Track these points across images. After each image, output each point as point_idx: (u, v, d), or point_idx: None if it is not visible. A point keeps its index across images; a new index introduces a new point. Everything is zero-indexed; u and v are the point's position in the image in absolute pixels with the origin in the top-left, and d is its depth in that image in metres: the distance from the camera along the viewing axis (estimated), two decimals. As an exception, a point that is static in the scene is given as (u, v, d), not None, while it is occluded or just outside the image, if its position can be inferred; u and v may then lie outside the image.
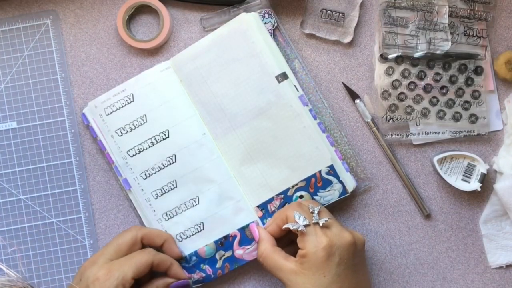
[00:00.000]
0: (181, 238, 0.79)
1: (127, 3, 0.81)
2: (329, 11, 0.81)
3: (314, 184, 0.78)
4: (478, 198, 0.82)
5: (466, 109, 0.80)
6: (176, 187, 0.79)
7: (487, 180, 0.80)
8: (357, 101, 0.81)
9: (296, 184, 0.78)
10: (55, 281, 0.82)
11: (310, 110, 0.79)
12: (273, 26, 0.80)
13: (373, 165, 0.82)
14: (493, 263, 0.82)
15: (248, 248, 0.79)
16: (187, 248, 0.80)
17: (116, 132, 0.80)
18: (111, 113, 0.80)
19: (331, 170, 0.78)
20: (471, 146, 0.82)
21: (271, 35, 0.79)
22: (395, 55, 0.79)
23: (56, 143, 0.82)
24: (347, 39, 0.82)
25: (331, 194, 0.78)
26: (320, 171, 0.78)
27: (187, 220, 0.79)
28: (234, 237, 0.79)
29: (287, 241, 0.76)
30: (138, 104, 0.79)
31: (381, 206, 0.82)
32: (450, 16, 0.79)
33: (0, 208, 0.82)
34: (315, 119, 0.79)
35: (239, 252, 0.79)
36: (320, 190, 0.78)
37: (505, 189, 0.79)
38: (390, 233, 0.82)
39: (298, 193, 0.78)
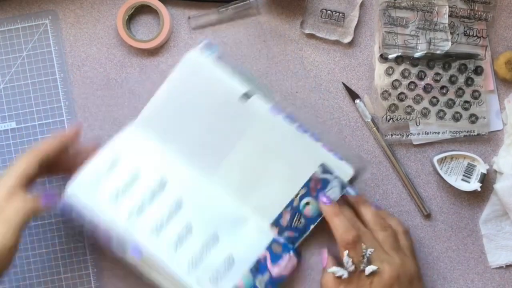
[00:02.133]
0: (217, 280, 0.76)
1: (127, 3, 0.81)
2: (329, 11, 0.81)
3: (314, 187, 0.78)
4: (478, 198, 0.82)
5: (466, 109, 0.80)
6: (191, 231, 0.77)
7: (487, 180, 0.81)
8: (357, 101, 0.81)
9: (298, 193, 0.78)
10: (55, 281, 0.82)
11: (285, 117, 0.78)
12: (217, 53, 0.80)
13: (373, 165, 0.82)
14: (493, 263, 0.82)
15: (282, 263, 0.78)
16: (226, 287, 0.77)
17: (111, 201, 0.76)
18: (98, 184, 0.76)
19: (324, 168, 0.77)
20: (471, 146, 0.82)
21: (218, 61, 0.79)
22: (395, 55, 0.79)
23: (55, 144, 0.82)
24: (347, 39, 0.82)
25: (333, 192, 0.77)
26: (315, 173, 0.77)
27: (216, 260, 0.77)
28: (265, 257, 0.78)
29: None
30: (122, 170, 0.77)
31: (381, 206, 0.82)
32: (450, 16, 0.79)
33: (0, 209, 0.82)
34: (293, 122, 0.78)
35: (275, 270, 0.78)
36: (321, 191, 0.78)
37: (505, 189, 0.79)
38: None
39: (304, 201, 0.78)
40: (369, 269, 0.71)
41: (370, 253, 0.72)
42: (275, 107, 0.78)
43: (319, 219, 0.77)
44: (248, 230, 0.78)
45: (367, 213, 0.76)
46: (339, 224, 0.74)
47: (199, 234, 0.77)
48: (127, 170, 0.77)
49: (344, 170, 0.78)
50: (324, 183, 0.77)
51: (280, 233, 0.78)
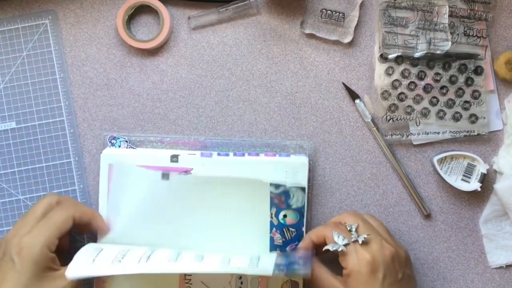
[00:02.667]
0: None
1: (127, 3, 0.81)
2: (329, 11, 0.81)
3: (280, 201, 0.77)
4: (478, 198, 0.82)
5: (466, 109, 0.80)
6: None
7: (487, 180, 0.80)
8: (357, 101, 0.81)
9: (271, 214, 0.78)
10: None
11: (219, 154, 0.79)
12: (126, 140, 0.81)
13: (373, 165, 0.82)
14: (493, 263, 0.82)
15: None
16: None
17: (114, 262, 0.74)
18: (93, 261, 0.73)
19: (275, 184, 0.77)
20: (471, 146, 0.82)
21: (132, 147, 0.80)
22: (395, 55, 0.79)
23: (55, 143, 0.82)
24: (347, 39, 0.82)
25: (297, 196, 0.77)
26: (271, 192, 0.77)
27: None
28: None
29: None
30: (111, 248, 0.76)
31: (381, 206, 0.82)
32: (450, 16, 0.79)
33: (0, 209, 0.82)
34: (227, 153, 0.79)
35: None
36: (288, 202, 0.78)
37: (505, 189, 0.79)
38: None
39: (280, 216, 0.78)
40: (361, 238, 0.70)
41: (355, 227, 0.71)
42: (205, 152, 0.79)
43: (304, 217, 0.78)
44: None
45: (330, 223, 0.76)
46: (314, 232, 0.75)
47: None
48: (116, 248, 0.75)
49: (298, 163, 0.78)
50: (285, 194, 0.77)
51: (282, 248, 0.78)
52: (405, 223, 0.82)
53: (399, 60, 0.80)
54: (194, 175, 0.78)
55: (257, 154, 0.79)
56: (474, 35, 0.80)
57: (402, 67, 0.80)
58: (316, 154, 0.82)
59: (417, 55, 0.79)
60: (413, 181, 0.82)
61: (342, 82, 0.82)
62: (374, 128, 0.81)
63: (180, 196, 0.78)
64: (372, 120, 0.81)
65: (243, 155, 0.79)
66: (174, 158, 0.78)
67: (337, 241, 0.71)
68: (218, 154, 0.79)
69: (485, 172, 0.79)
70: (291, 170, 0.77)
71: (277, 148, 0.81)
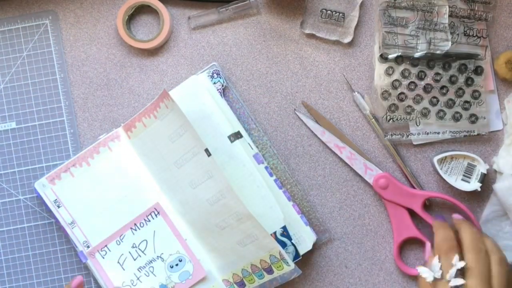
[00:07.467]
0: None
1: (127, 3, 0.81)
2: (329, 11, 0.81)
3: None
4: (478, 198, 0.82)
5: (466, 109, 0.80)
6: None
7: (487, 180, 0.80)
8: (355, 93, 0.81)
9: None
10: (55, 281, 0.82)
11: (266, 168, 0.79)
12: (222, 86, 0.80)
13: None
14: (493, 263, 0.82)
15: None
16: None
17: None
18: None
19: (284, 231, 0.77)
20: (471, 146, 0.82)
21: (220, 95, 0.79)
22: (395, 55, 0.79)
23: (55, 143, 0.82)
24: (347, 39, 0.82)
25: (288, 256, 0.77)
26: (275, 233, 0.77)
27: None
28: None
29: None
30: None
31: (381, 206, 0.82)
32: (450, 16, 0.79)
33: (0, 209, 0.82)
34: (271, 176, 0.79)
35: None
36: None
37: (504, 190, 0.79)
38: (390, 233, 0.82)
39: None
40: (454, 281, 0.68)
41: (461, 266, 0.69)
42: (259, 155, 0.79)
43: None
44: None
45: (466, 231, 0.73)
46: (441, 234, 0.73)
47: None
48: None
49: (307, 236, 0.78)
50: (282, 246, 0.77)
51: None
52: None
53: (399, 60, 0.80)
54: (249, 159, 0.78)
55: (289, 199, 0.80)
56: (474, 35, 0.80)
57: (402, 67, 0.80)
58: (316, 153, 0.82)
59: (417, 55, 0.79)
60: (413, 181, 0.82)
61: (343, 74, 0.82)
62: (373, 120, 0.81)
63: (224, 157, 0.78)
64: (372, 115, 0.81)
65: (280, 188, 0.80)
66: (235, 136, 0.78)
67: (432, 269, 0.70)
68: (266, 168, 0.80)
69: (485, 172, 0.79)
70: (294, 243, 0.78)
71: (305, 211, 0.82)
